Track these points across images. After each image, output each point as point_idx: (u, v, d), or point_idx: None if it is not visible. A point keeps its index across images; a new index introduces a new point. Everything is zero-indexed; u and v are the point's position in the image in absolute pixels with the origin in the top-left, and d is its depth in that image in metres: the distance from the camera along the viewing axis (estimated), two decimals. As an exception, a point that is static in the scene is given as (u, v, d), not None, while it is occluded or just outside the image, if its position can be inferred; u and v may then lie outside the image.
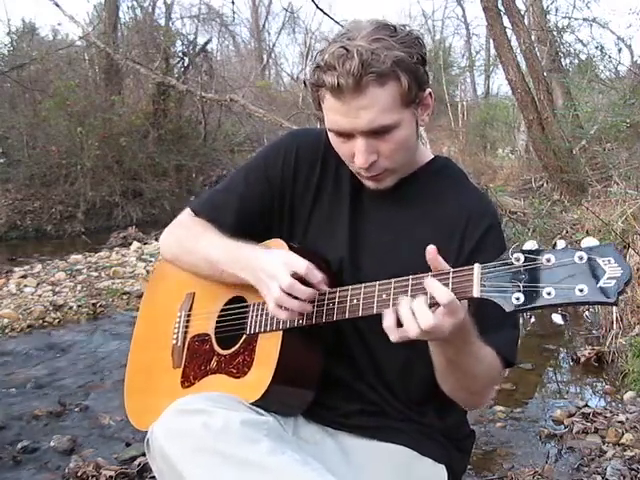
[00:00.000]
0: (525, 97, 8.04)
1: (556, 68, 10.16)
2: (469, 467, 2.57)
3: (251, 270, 1.30)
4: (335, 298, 1.24)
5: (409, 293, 1.12)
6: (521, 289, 0.99)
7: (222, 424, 1.14)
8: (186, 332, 1.48)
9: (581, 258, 0.95)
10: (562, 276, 0.96)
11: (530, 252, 0.99)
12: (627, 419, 2.98)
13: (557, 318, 0.97)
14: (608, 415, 3.05)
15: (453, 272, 1.08)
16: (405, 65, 1.20)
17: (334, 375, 1.35)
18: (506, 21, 8.14)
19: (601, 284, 0.93)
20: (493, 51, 15.34)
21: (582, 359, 3.86)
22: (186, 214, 1.52)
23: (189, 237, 1.46)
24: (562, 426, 3.03)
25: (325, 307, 1.25)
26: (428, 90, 1.29)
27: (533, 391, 3.68)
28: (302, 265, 1.24)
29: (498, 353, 1.23)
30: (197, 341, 1.45)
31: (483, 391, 1.31)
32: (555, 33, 11.18)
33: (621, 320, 4.09)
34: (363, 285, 1.20)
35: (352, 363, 1.36)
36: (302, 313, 1.24)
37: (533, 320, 5.03)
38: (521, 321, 5.03)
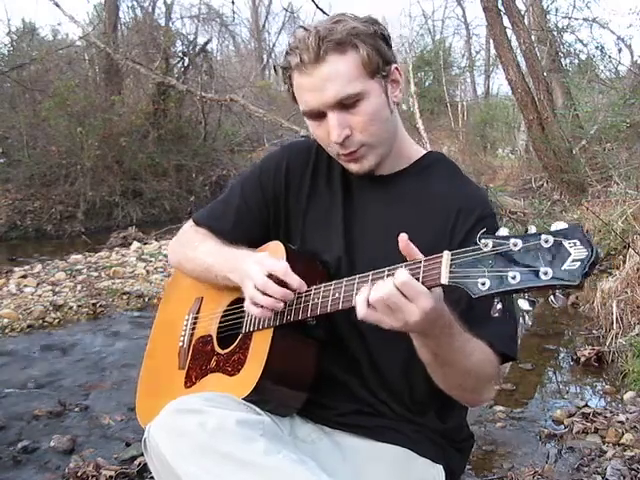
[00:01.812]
0: (525, 97, 8.04)
1: (556, 68, 10.16)
2: (469, 467, 2.57)
3: (237, 272, 1.35)
4: (319, 293, 1.26)
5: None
6: (487, 275, 0.98)
7: (217, 423, 1.14)
8: (192, 334, 1.53)
9: (547, 241, 0.93)
10: (527, 260, 0.95)
11: (498, 237, 0.99)
12: (627, 419, 2.98)
13: (524, 304, 0.95)
14: (608, 415, 3.05)
15: (424, 260, 1.08)
16: (362, 36, 1.26)
17: (333, 376, 1.36)
18: (506, 21, 8.15)
19: (565, 266, 0.91)
20: (493, 51, 15.35)
21: (582, 359, 3.86)
22: (189, 225, 1.60)
23: (189, 245, 1.54)
24: (562, 426, 3.03)
25: (308, 303, 1.27)
26: (394, 65, 1.33)
27: (533, 391, 3.67)
28: (280, 267, 1.28)
29: (491, 347, 1.22)
30: (201, 342, 1.49)
31: (478, 387, 1.29)
32: (555, 33, 11.18)
33: (621, 320, 4.09)
34: (344, 280, 1.22)
35: (352, 365, 1.36)
36: (273, 310, 1.27)
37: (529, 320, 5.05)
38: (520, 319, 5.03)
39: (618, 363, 3.76)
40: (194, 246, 1.51)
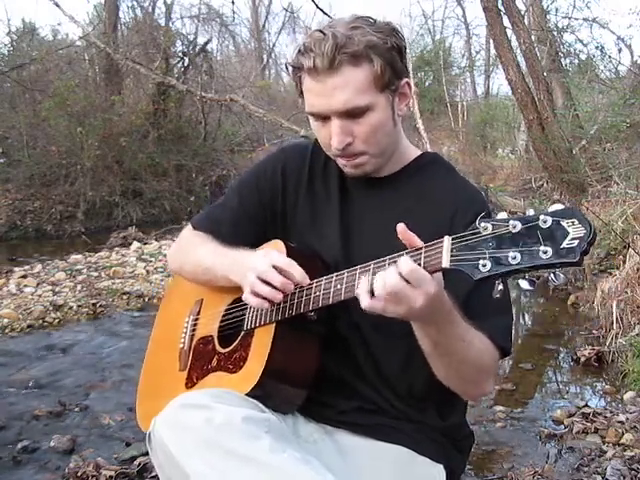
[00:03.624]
0: (525, 97, 8.05)
1: (556, 68, 10.16)
2: (469, 467, 2.57)
3: (238, 269, 1.36)
4: (320, 286, 1.26)
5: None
6: (487, 256, 0.99)
7: (224, 420, 1.14)
8: (193, 336, 1.53)
9: (545, 222, 0.95)
10: (527, 240, 0.97)
11: (497, 220, 1.01)
12: (627, 419, 2.98)
13: (524, 284, 0.98)
14: (608, 415, 3.05)
15: (425, 247, 1.10)
16: (379, 49, 1.26)
17: (333, 373, 1.36)
18: (506, 21, 8.15)
19: (564, 245, 0.93)
20: (493, 51, 15.34)
21: (582, 359, 3.86)
22: (188, 229, 1.60)
23: (188, 248, 1.54)
24: (562, 426, 3.03)
25: (309, 296, 1.27)
26: (405, 80, 1.33)
27: (533, 391, 3.68)
28: (285, 260, 1.29)
29: (491, 339, 1.24)
30: (202, 343, 1.49)
31: (478, 379, 1.29)
32: (555, 33, 11.18)
33: (621, 320, 4.09)
34: (345, 271, 1.23)
35: (351, 361, 1.37)
36: (272, 300, 1.28)
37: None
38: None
39: (618, 363, 3.76)
40: (194, 249, 1.52)
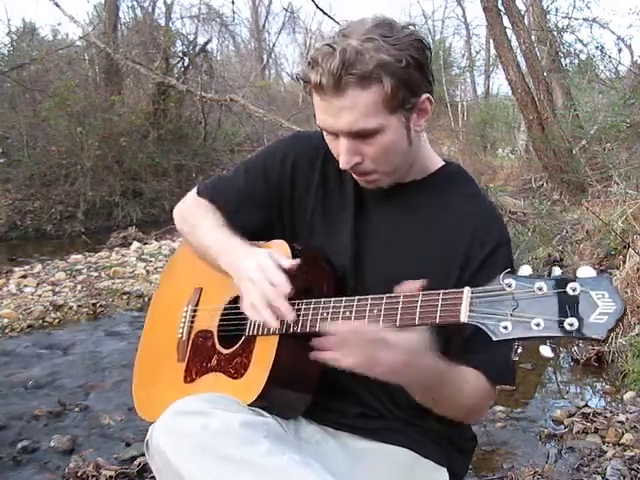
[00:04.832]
0: (525, 97, 8.05)
1: (556, 68, 10.17)
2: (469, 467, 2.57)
3: (234, 267, 1.31)
4: (328, 308, 1.22)
5: (382, 311, 1.13)
6: (509, 318, 0.95)
7: (221, 425, 1.14)
8: (191, 327, 1.50)
9: (574, 290, 0.90)
10: (552, 307, 0.92)
11: (522, 278, 0.95)
12: (627, 419, 2.98)
13: (545, 351, 0.93)
14: (608, 415, 3.05)
15: (443, 294, 1.05)
16: (391, 69, 1.16)
17: (336, 380, 1.34)
18: (506, 21, 8.15)
19: (592, 319, 0.89)
20: (493, 51, 15.35)
21: (582, 359, 3.86)
22: (192, 195, 1.54)
23: (193, 217, 1.49)
24: (562, 426, 3.03)
25: (316, 317, 1.23)
26: (425, 95, 1.24)
27: (533, 391, 3.67)
28: (280, 283, 1.22)
29: (484, 373, 1.22)
30: (201, 337, 1.47)
31: (470, 415, 1.31)
32: (555, 33, 11.19)
33: (621, 320, 4.08)
34: (356, 298, 1.19)
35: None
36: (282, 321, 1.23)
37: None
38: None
39: (618, 363, 3.75)
40: (196, 220, 1.46)
